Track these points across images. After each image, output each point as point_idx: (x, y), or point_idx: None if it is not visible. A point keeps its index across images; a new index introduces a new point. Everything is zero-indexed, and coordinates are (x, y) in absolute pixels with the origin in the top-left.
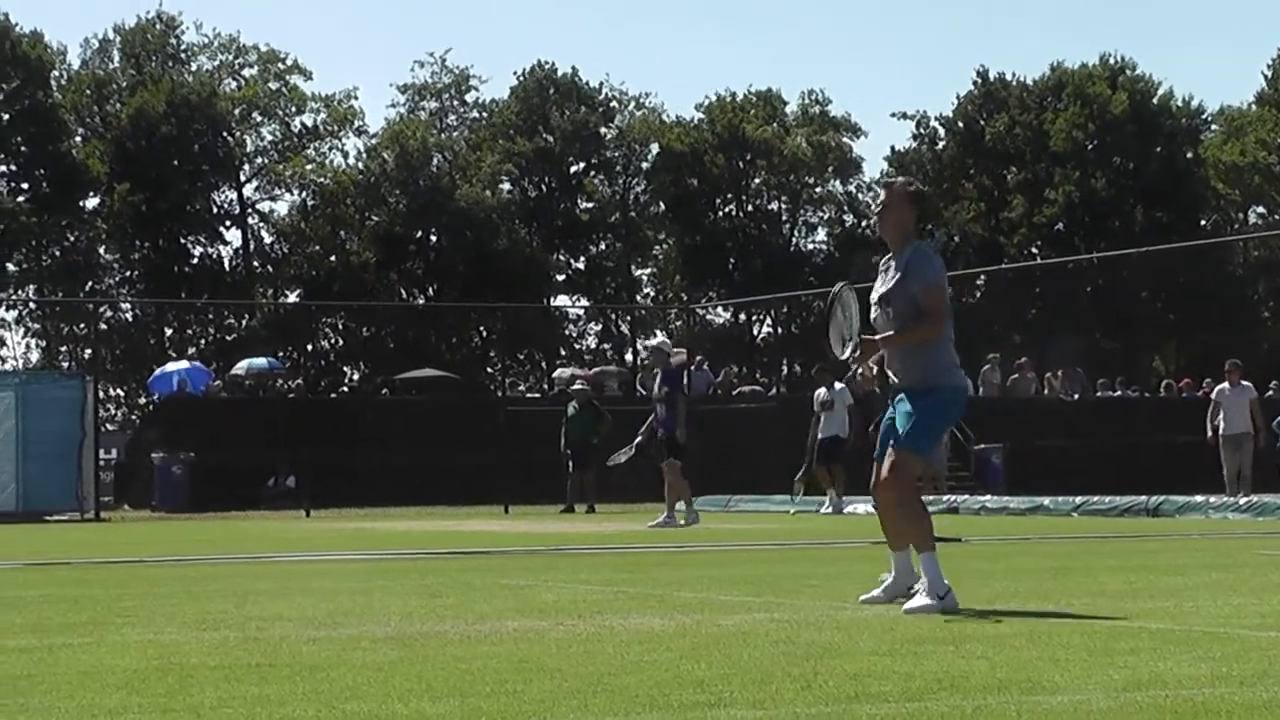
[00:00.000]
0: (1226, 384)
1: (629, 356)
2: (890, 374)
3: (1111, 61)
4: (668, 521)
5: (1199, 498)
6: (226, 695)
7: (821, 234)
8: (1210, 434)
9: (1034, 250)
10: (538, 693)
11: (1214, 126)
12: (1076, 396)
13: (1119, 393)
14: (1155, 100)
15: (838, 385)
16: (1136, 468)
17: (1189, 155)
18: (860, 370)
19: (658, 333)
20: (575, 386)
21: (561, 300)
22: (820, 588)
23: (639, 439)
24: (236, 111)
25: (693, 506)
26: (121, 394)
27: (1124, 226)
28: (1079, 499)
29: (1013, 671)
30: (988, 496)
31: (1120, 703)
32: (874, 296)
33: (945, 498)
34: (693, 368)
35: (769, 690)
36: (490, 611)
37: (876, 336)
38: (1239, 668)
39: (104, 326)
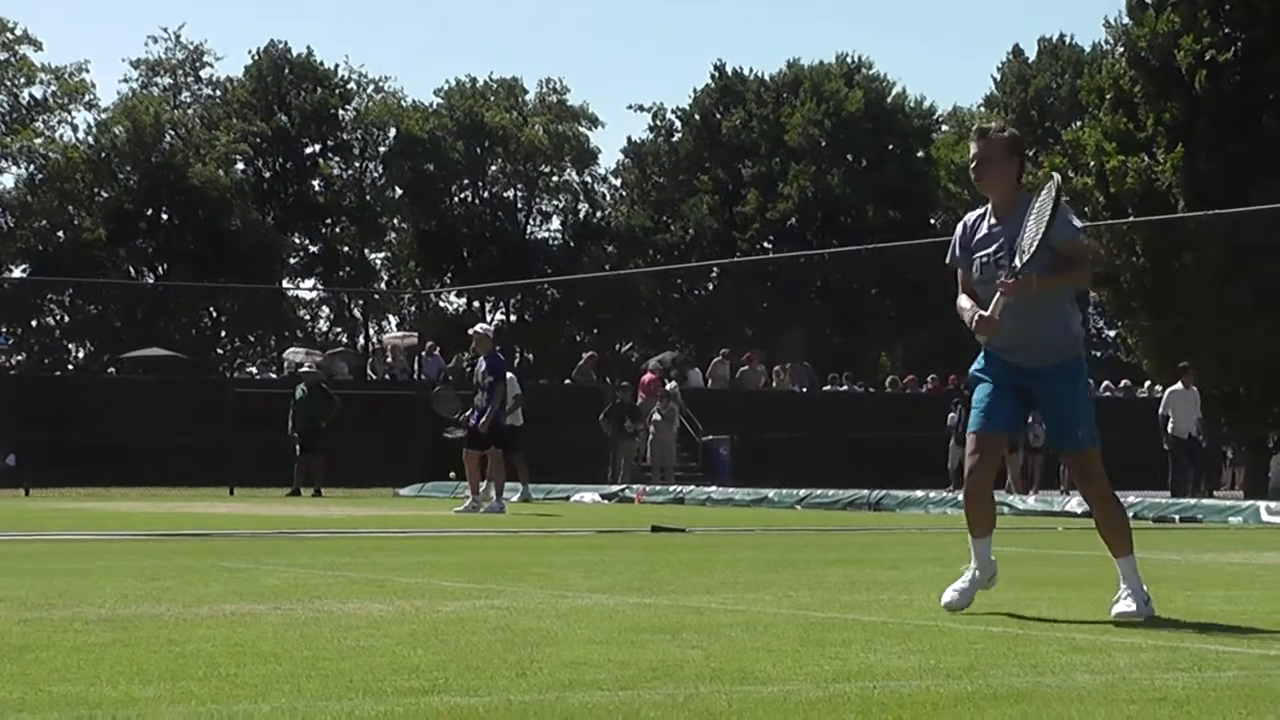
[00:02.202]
0: (1180, 384)
1: (361, 340)
2: (999, 340)
3: (848, 60)
4: (474, 505)
5: (919, 493)
6: None
7: (556, 223)
8: (1165, 439)
9: (767, 245)
10: (251, 676)
11: (945, 127)
12: (805, 390)
13: (846, 387)
14: (890, 99)
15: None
16: (861, 462)
17: (921, 155)
18: (991, 315)
19: (479, 325)
20: (304, 369)
21: (295, 282)
22: (543, 576)
23: (463, 420)
24: None
25: (503, 496)
26: None
27: (857, 223)
28: (803, 492)
29: (726, 661)
30: (714, 488)
31: (829, 693)
32: (989, 256)
33: (671, 488)
34: (423, 354)
35: (484, 677)
36: (208, 594)
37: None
38: (947, 660)
39: None
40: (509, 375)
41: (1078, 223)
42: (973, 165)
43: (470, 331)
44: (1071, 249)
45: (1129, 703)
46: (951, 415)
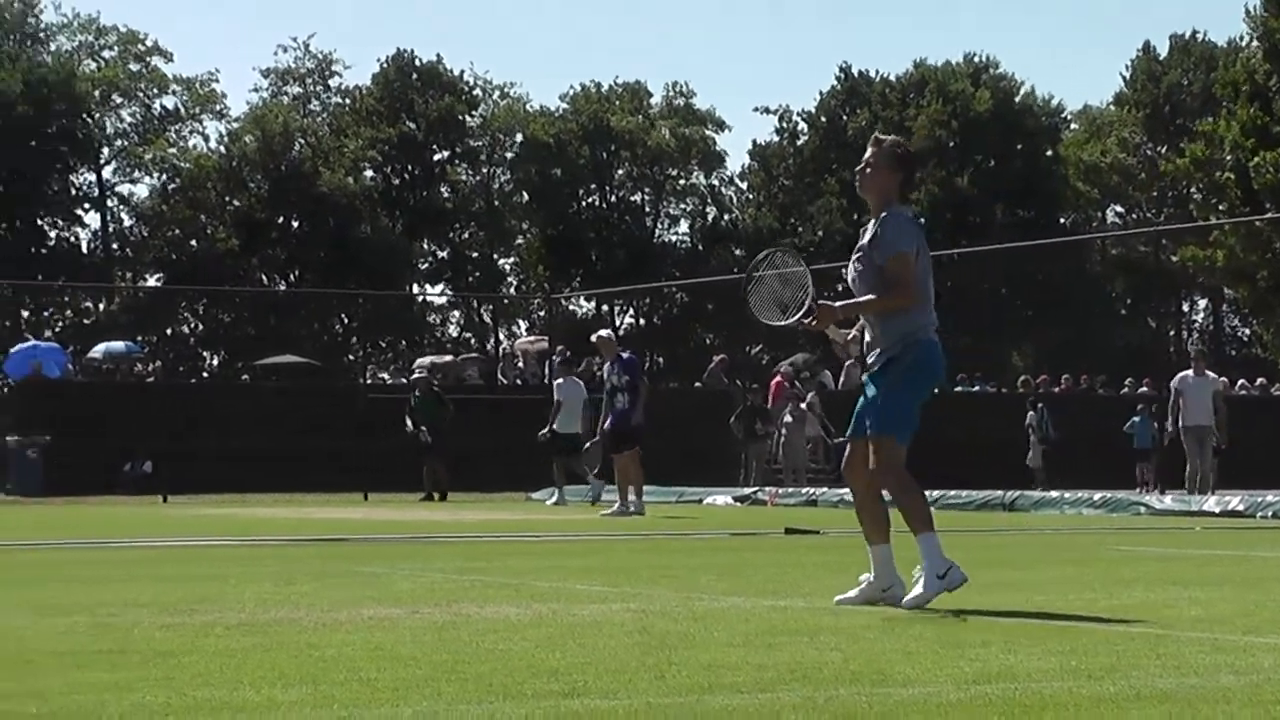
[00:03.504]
0: (1190, 372)
1: (490, 345)
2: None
3: (975, 60)
4: (622, 509)
5: (1054, 493)
6: (74, 681)
7: (684, 226)
8: (1171, 426)
9: None
10: (391, 680)
11: (1074, 126)
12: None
13: (976, 388)
14: (1017, 99)
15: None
16: (993, 462)
17: (1049, 154)
18: (835, 339)
19: (600, 331)
20: (415, 375)
21: (424, 288)
22: (678, 579)
23: (596, 437)
24: (96, 93)
25: (641, 497)
26: None
27: (985, 223)
28: (936, 493)
29: (865, 663)
30: (846, 489)
31: (970, 695)
32: (852, 258)
33: (804, 490)
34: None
35: (623, 680)
36: (345, 599)
37: (838, 303)
38: (1088, 661)
39: None
40: (574, 382)
41: (900, 245)
42: (858, 170)
43: (594, 339)
44: (892, 268)
45: (1275, 703)
46: (1031, 415)
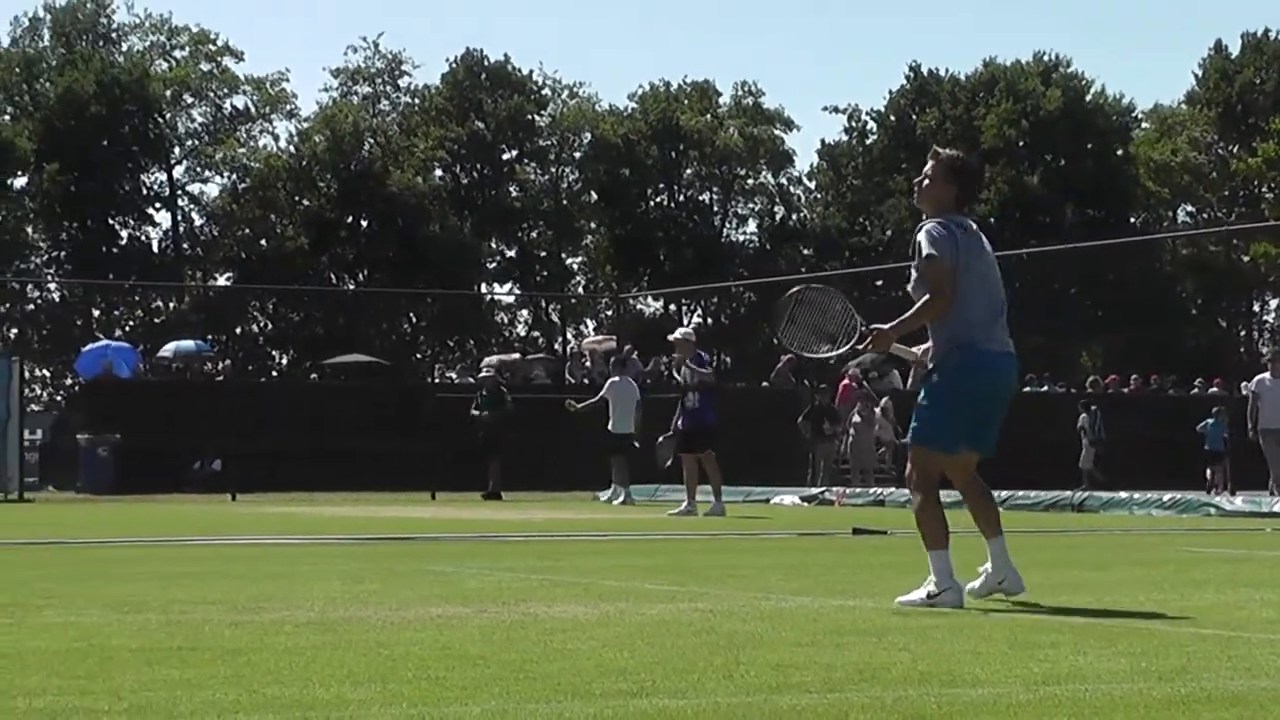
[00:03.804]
0: (1267, 374)
1: (558, 345)
2: None
3: (1045, 59)
4: (689, 509)
5: (1123, 494)
6: (147, 678)
7: (752, 226)
8: (1251, 430)
9: None
10: (460, 679)
11: (1145, 125)
12: None
13: (1046, 388)
14: (1088, 98)
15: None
16: (1061, 463)
17: (1120, 153)
18: (908, 359)
19: (678, 331)
20: (482, 374)
21: (492, 287)
22: (745, 578)
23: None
24: (168, 93)
25: (721, 498)
26: (48, 375)
27: (1055, 223)
28: (1004, 493)
29: (934, 664)
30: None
31: (1039, 696)
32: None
33: (872, 490)
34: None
35: (691, 679)
36: (414, 598)
37: (888, 325)
38: (1158, 663)
39: (31, 307)
40: (626, 382)
41: (928, 249)
42: (916, 182)
43: (671, 338)
44: (926, 275)
45: None
46: (1083, 417)
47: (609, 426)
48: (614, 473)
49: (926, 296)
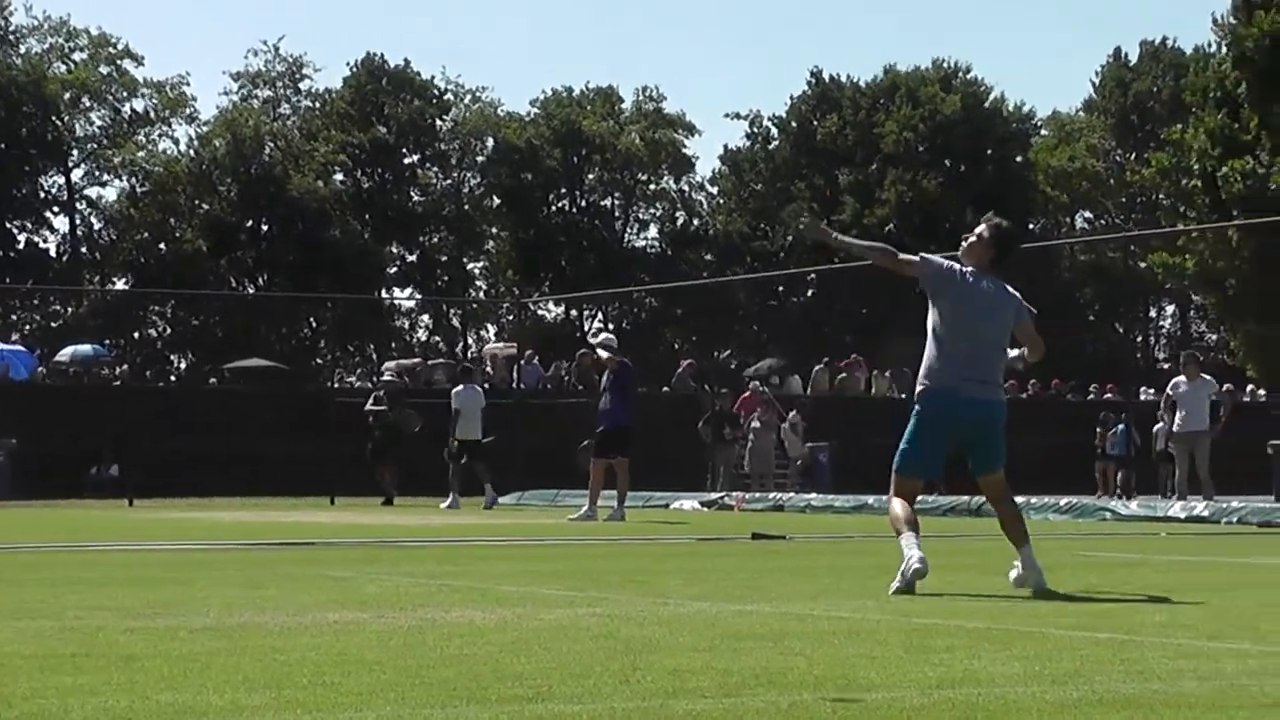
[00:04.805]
0: (1182, 379)
1: (459, 350)
2: None
3: (945, 65)
4: (588, 514)
5: (1020, 498)
6: (40, 685)
7: (654, 231)
8: (1164, 432)
9: None
10: (355, 685)
11: (1044, 131)
12: (904, 395)
13: None
14: (987, 104)
15: None
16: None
17: (1019, 159)
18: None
19: (602, 334)
20: (384, 378)
21: (393, 292)
22: (644, 583)
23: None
24: (66, 95)
25: (624, 504)
26: None
27: (954, 227)
28: None
29: (830, 668)
30: (813, 494)
31: (934, 700)
32: (976, 303)
33: (771, 495)
34: (523, 362)
35: (588, 685)
36: (311, 603)
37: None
38: (1052, 666)
39: None
40: (473, 390)
41: (928, 256)
42: (966, 239)
43: (595, 342)
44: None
45: (1238, 709)
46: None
47: (456, 434)
48: (451, 479)
49: (908, 256)
